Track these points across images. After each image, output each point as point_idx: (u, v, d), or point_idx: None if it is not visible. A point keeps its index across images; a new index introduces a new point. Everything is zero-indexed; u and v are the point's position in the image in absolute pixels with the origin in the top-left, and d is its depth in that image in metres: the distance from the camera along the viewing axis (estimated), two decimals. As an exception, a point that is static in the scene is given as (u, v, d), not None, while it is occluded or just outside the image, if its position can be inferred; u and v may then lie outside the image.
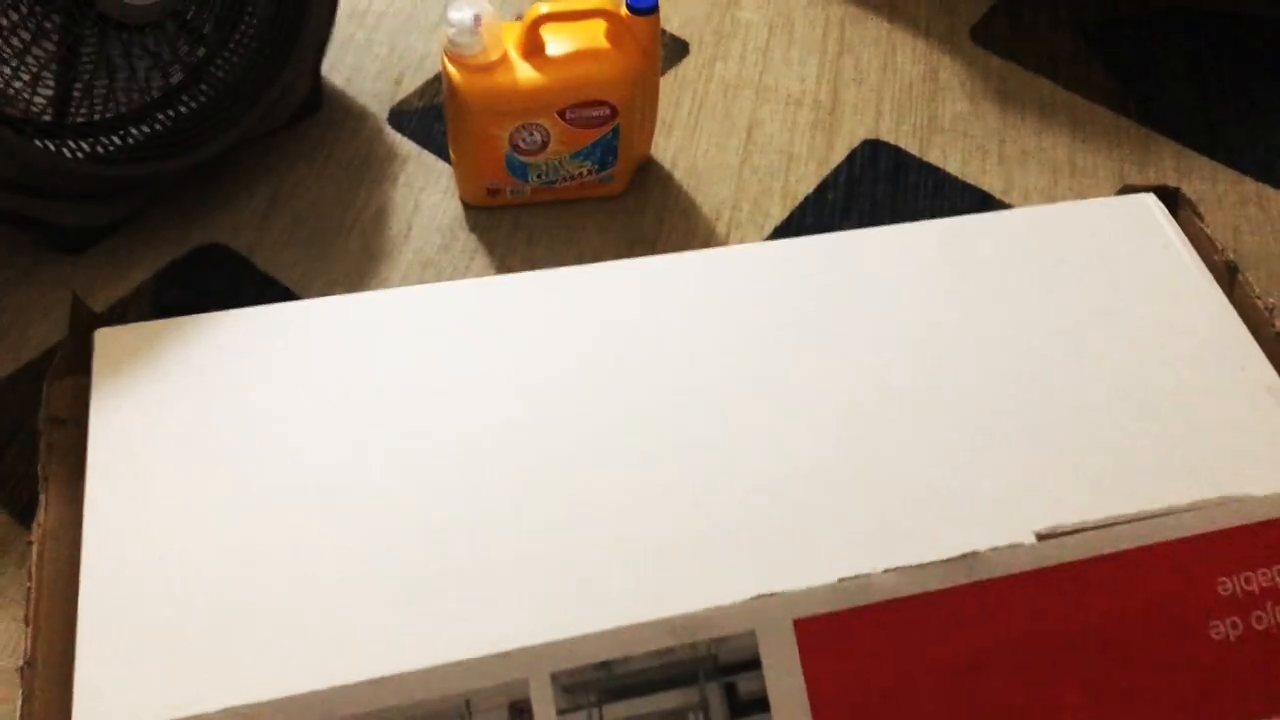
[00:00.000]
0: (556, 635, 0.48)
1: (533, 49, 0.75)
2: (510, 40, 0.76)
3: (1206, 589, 0.51)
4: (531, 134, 0.77)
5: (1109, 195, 0.69)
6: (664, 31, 0.95)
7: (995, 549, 0.50)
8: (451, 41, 0.74)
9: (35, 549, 0.52)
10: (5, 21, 0.65)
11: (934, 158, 0.89)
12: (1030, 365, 0.59)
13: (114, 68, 0.70)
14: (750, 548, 0.51)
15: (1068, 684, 0.49)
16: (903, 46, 0.97)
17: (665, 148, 0.88)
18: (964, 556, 0.50)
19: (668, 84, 0.92)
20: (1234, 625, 0.50)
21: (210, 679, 0.47)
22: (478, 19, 0.73)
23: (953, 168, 0.88)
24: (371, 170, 0.85)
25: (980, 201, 0.86)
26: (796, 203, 0.85)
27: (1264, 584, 0.51)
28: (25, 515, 0.65)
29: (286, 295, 0.77)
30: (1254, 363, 0.60)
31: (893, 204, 0.86)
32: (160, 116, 0.73)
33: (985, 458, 0.55)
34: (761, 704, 0.47)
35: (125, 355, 0.58)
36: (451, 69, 0.74)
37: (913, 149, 0.89)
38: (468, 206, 0.83)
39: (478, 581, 0.50)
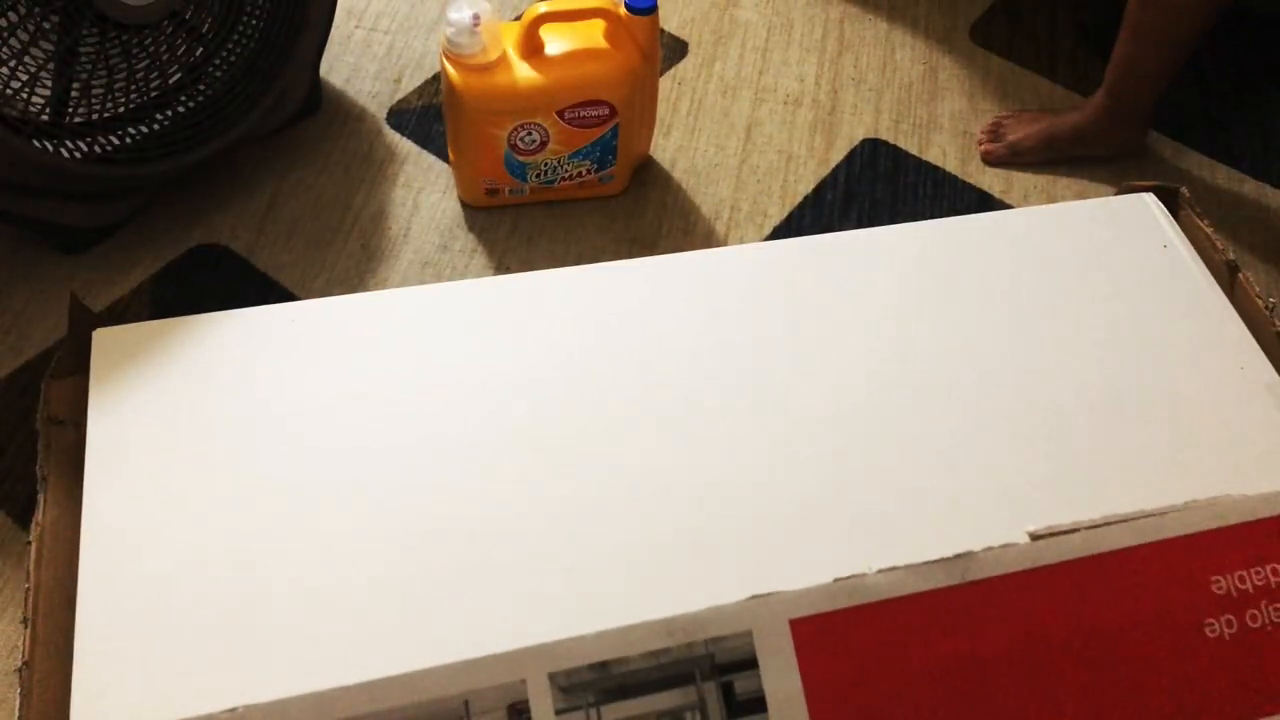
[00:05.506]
0: (554, 636, 0.48)
1: (531, 49, 0.75)
2: (509, 40, 0.76)
3: (1201, 588, 0.50)
4: (530, 134, 0.77)
5: (1109, 195, 0.69)
6: (663, 31, 0.95)
7: (989, 549, 0.50)
8: (450, 41, 0.74)
9: (34, 549, 0.52)
10: (4, 22, 0.65)
11: (933, 157, 0.89)
12: (1028, 365, 0.59)
13: (112, 68, 0.70)
14: (746, 548, 0.51)
15: (1062, 683, 0.49)
16: (902, 46, 0.97)
17: (664, 148, 0.88)
18: (958, 557, 0.50)
19: (667, 84, 0.92)
20: (1229, 623, 0.50)
21: (208, 680, 0.47)
22: (476, 19, 0.73)
23: (952, 167, 0.88)
24: (370, 170, 0.85)
25: (980, 201, 0.86)
26: (795, 203, 0.85)
27: (1258, 582, 0.51)
28: (24, 515, 0.65)
29: (286, 295, 0.77)
30: (1254, 362, 0.60)
31: (892, 204, 0.86)
32: (159, 116, 0.73)
33: (980, 458, 0.55)
34: (758, 703, 0.47)
35: (124, 355, 0.58)
36: (450, 69, 0.74)
37: (912, 148, 0.89)
38: (466, 206, 0.83)
39: (476, 582, 0.50)
